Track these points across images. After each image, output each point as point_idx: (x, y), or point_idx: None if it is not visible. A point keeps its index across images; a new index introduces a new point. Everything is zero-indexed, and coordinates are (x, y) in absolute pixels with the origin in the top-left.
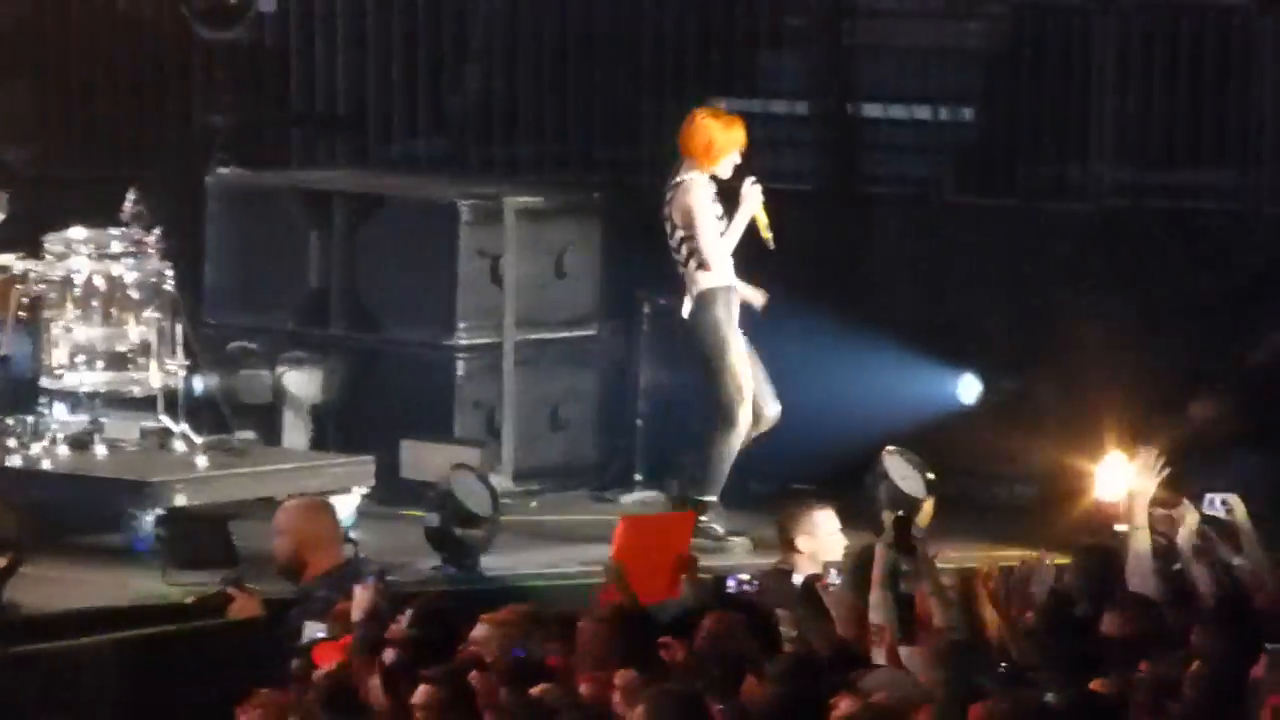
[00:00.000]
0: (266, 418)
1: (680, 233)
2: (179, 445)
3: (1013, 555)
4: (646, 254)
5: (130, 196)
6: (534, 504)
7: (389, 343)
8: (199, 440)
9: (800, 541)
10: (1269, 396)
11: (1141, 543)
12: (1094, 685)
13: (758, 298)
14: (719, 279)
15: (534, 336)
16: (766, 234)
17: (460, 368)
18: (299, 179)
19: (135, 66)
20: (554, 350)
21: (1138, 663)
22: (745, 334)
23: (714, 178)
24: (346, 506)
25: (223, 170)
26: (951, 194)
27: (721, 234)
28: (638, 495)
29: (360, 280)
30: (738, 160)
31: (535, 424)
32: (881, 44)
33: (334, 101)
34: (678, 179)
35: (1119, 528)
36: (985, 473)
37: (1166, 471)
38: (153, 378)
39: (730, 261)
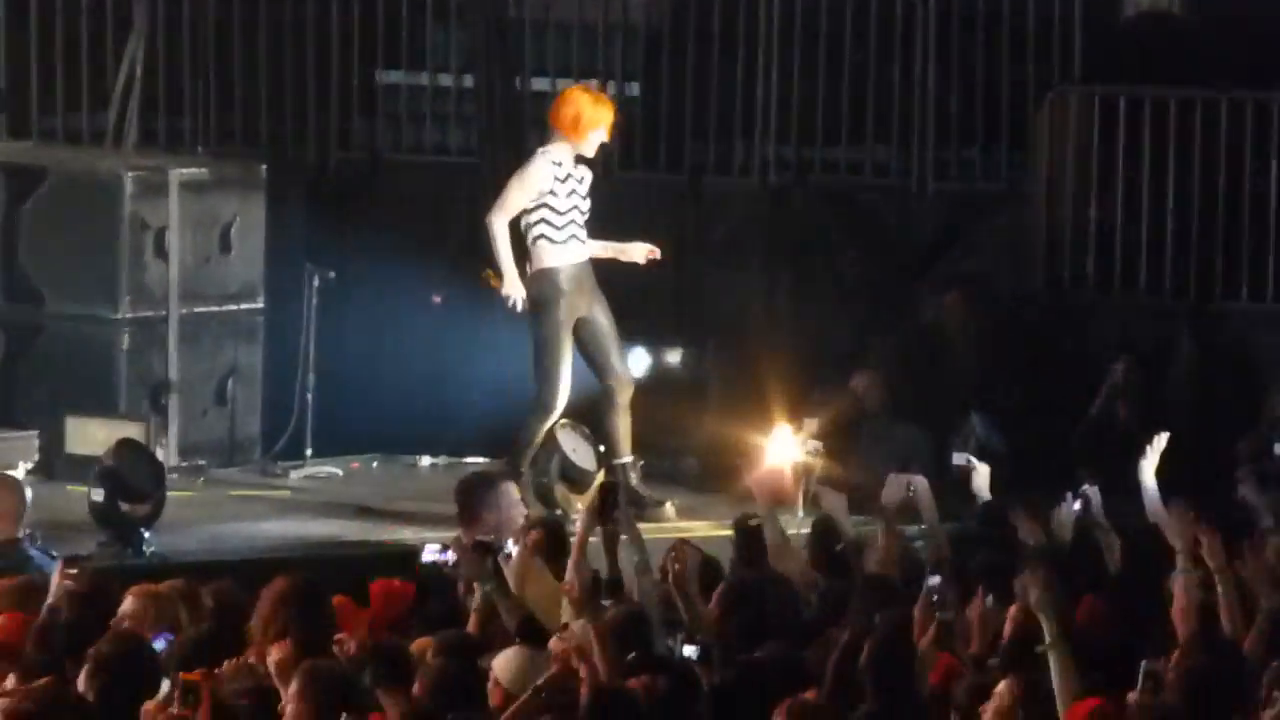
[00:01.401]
0: None
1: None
2: None
3: (679, 528)
4: (313, 227)
5: None
6: (201, 479)
7: (52, 316)
8: None
9: (485, 515)
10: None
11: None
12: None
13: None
14: (555, 257)
15: (199, 310)
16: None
17: (124, 342)
18: None
19: None
20: (219, 324)
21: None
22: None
23: (579, 158)
24: None
25: None
26: (617, 169)
27: (565, 208)
28: (308, 470)
29: (22, 253)
30: (603, 138)
31: (201, 398)
32: (546, 19)
33: None
34: (540, 149)
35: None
36: (650, 445)
37: (821, 446)
38: None
39: (578, 234)
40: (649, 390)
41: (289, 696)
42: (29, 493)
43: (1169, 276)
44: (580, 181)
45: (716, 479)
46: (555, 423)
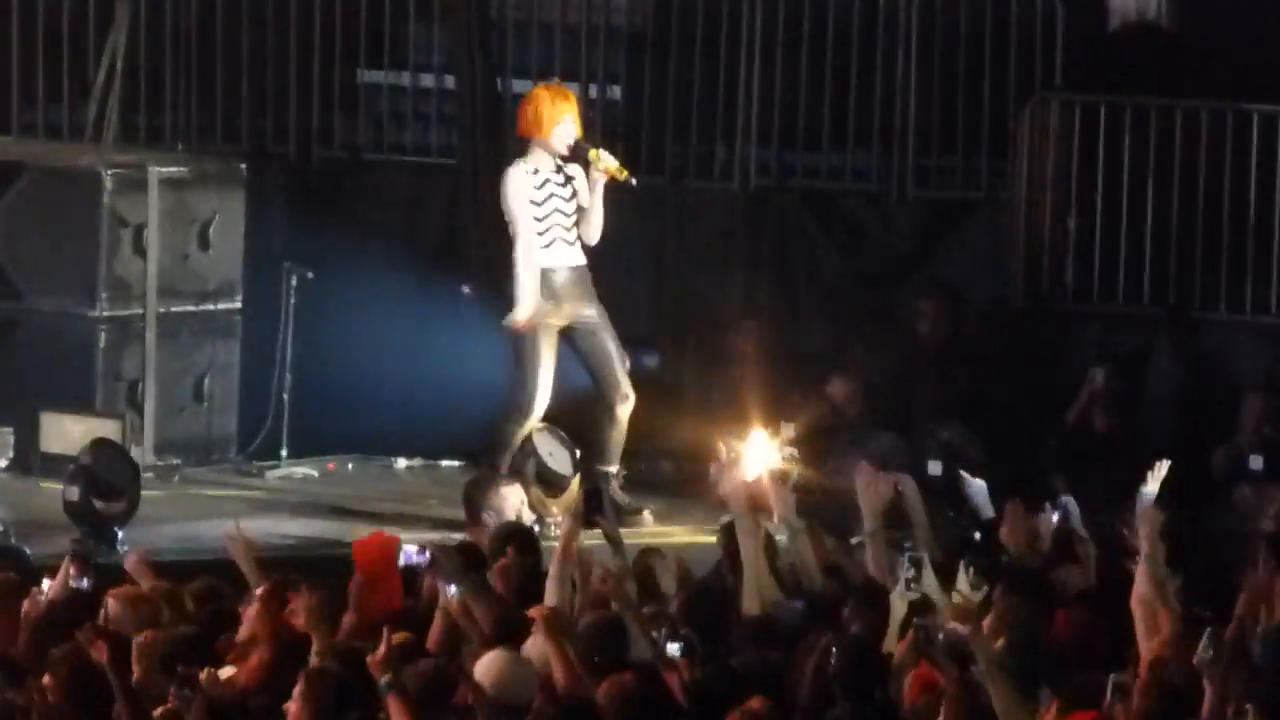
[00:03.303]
0: None
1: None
2: None
3: (656, 533)
4: (292, 226)
5: None
6: (176, 478)
7: (29, 312)
8: None
9: (487, 516)
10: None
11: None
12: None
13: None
14: (535, 265)
15: (177, 308)
16: (622, 175)
17: (101, 339)
18: None
19: None
20: (197, 322)
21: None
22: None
23: (559, 157)
24: None
25: None
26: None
27: (545, 214)
28: (284, 470)
29: (1, 249)
30: (573, 131)
31: (178, 396)
32: (529, 20)
33: None
34: (512, 163)
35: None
36: (627, 449)
37: (797, 452)
38: None
39: (564, 237)
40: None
41: (294, 697)
42: None
43: (1148, 286)
44: (563, 184)
45: (693, 484)
46: (533, 426)
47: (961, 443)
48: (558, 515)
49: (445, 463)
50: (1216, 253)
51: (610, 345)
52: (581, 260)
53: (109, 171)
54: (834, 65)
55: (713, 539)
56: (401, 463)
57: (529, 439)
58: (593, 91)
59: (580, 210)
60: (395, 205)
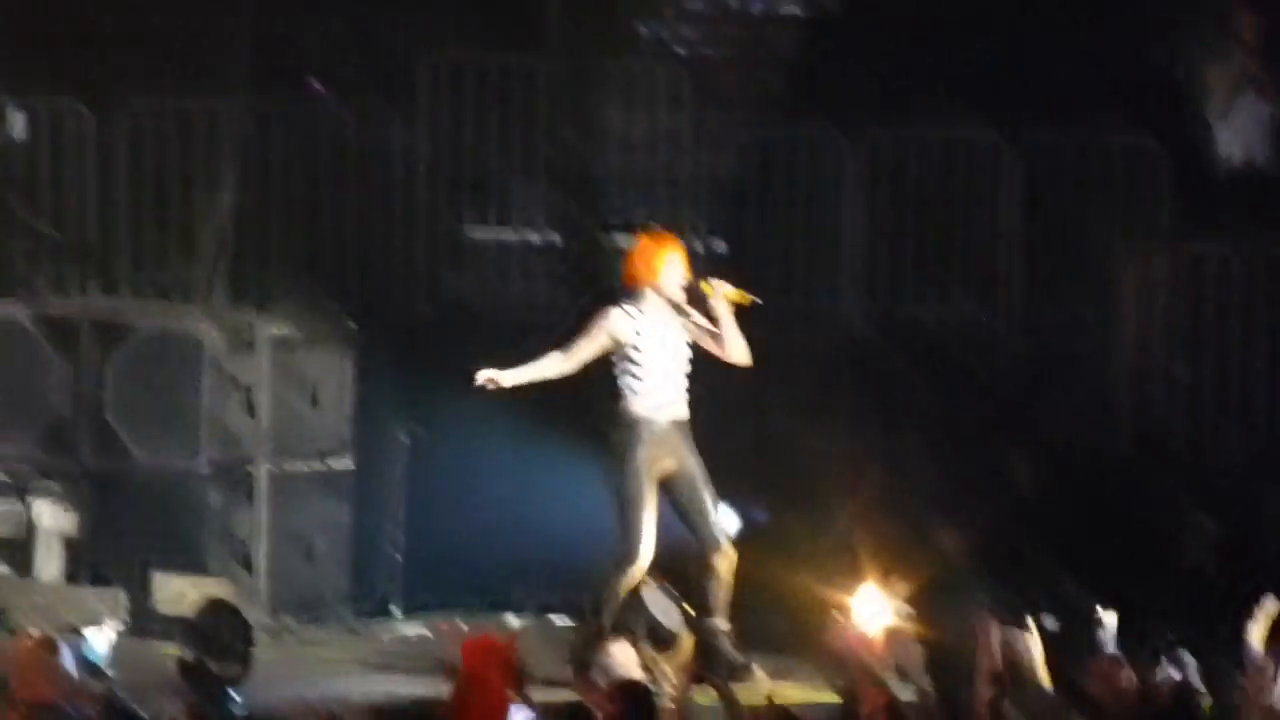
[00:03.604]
0: (18, 550)
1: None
2: None
3: (769, 692)
4: (402, 383)
5: None
6: (290, 637)
7: (141, 473)
8: None
9: (595, 675)
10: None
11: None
12: None
13: None
14: (638, 408)
15: (288, 467)
16: (745, 300)
17: (213, 498)
18: (47, 307)
19: None
20: (309, 480)
21: None
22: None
23: (672, 304)
24: (100, 639)
25: None
26: None
27: (650, 360)
28: (397, 629)
29: (111, 408)
30: (682, 273)
31: (290, 555)
32: (630, 173)
33: (84, 229)
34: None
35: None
36: (737, 604)
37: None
38: None
39: (664, 387)
40: (736, 548)
41: None
42: (105, 647)
43: (1259, 435)
44: (670, 335)
45: (806, 639)
46: (641, 581)
47: (1074, 594)
48: (669, 673)
49: (557, 619)
50: None
51: (707, 498)
52: (684, 414)
53: (219, 331)
54: (938, 214)
55: (827, 697)
56: (513, 619)
57: (637, 594)
58: (696, 244)
59: (689, 363)
60: (503, 362)
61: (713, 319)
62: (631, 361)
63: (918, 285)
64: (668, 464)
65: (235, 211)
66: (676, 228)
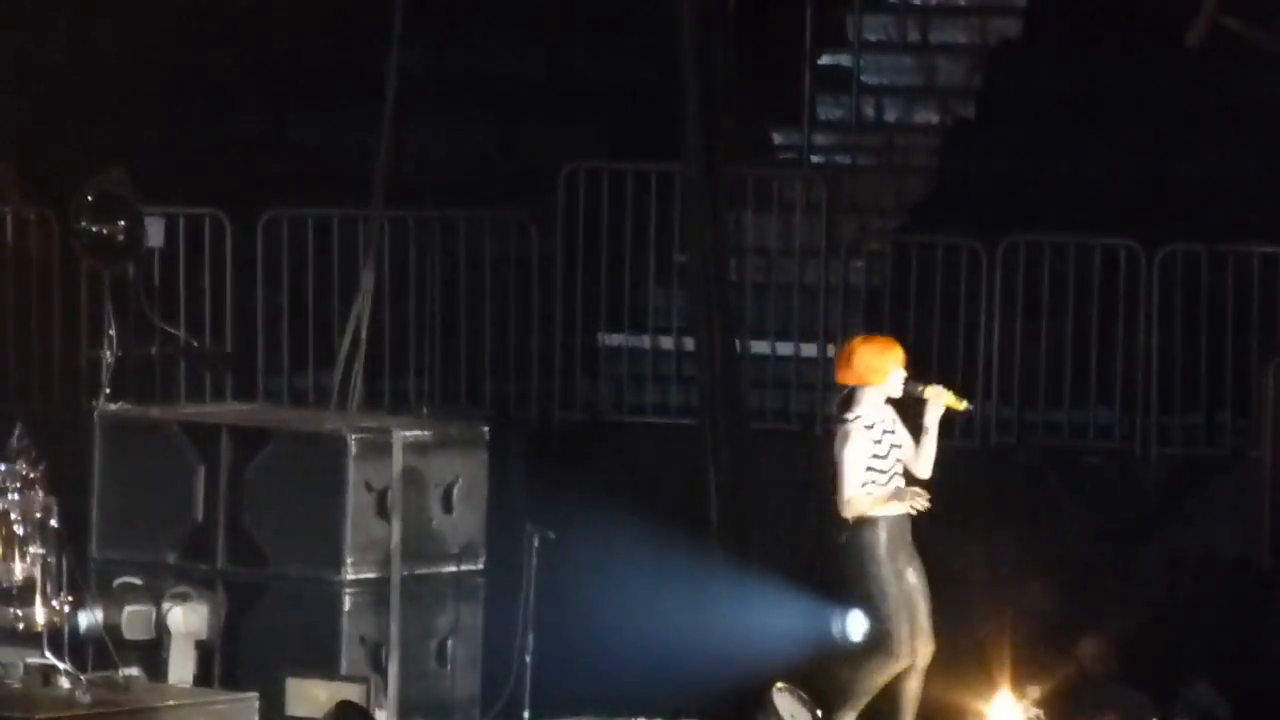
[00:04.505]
0: (152, 653)
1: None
2: (63, 682)
3: None
4: (534, 488)
5: (16, 431)
6: None
7: (275, 578)
8: (83, 677)
9: None
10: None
11: None
12: None
13: (917, 500)
14: (866, 509)
15: (421, 571)
16: (960, 405)
17: (347, 602)
18: (186, 413)
19: (21, 299)
20: (440, 584)
21: None
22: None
23: (888, 399)
24: None
25: (110, 405)
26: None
27: (888, 466)
28: None
29: (246, 513)
30: (903, 373)
31: (421, 659)
32: (767, 280)
33: (222, 336)
34: (845, 415)
35: None
36: (874, 711)
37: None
38: (38, 614)
39: (901, 479)
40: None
41: None
42: None
43: None
44: (894, 433)
45: None
46: (773, 685)
47: (1210, 703)
48: None
49: None
50: None
51: (925, 593)
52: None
53: (353, 436)
54: (1074, 321)
55: None
56: None
57: (769, 698)
58: (830, 351)
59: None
60: (635, 466)
61: (917, 425)
62: (874, 470)
63: (1055, 391)
64: (902, 559)
65: (371, 315)
66: (811, 333)
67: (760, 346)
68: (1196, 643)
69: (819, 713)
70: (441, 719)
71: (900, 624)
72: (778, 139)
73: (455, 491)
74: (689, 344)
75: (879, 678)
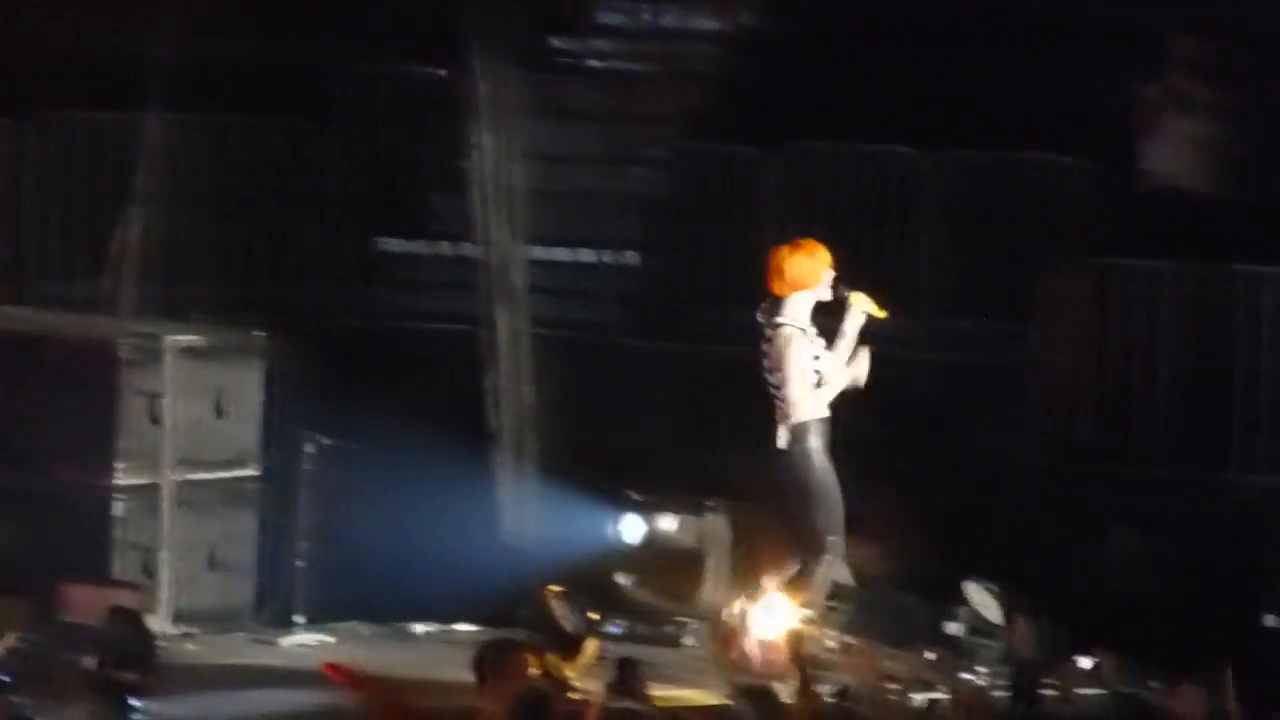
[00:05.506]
0: None
1: (778, 374)
2: None
3: (681, 696)
4: (309, 394)
5: None
6: (192, 646)
7: (45, 484)
8: None
9: (496, 683)
10: None
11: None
12: None
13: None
14: (810, 413)
15: (193, 477)
16: (880, 313)
17: (118, 508)
18: None
19: None
20: (213, 491)
21: None
22: None
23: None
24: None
25: None
26: (619, 336)
27: (821, 356)
28: (298, 637)
29: (15, 420)
30: (833, 273)
31: (193, 565)
32: (546, 188)
33: None
34: (778, 320)
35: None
36: (648, 612)
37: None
38: None
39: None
40: (647, 555)
41: None
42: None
43: (1170, 447)
44: (818, 335)
45: (714, 646)
46: (546, 587)
47: (980, 605)
48: (573, 678)
49: (461, 628)
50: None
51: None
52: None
53: (125, 341)
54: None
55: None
56: (419, 628)
57: (541, 600)
58: (607, 258)
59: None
60: (412, 372)
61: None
62: (814, 359)
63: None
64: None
65: (144, 221)
66: (592, 242)
67: (539, 253)
68: (970, 546)
69: (592, 615)
70: (214, 624)
71: (837, 518)
72: (557, 44)
73: (229, 398)
74: (466, 249)
75: (823, 575)
